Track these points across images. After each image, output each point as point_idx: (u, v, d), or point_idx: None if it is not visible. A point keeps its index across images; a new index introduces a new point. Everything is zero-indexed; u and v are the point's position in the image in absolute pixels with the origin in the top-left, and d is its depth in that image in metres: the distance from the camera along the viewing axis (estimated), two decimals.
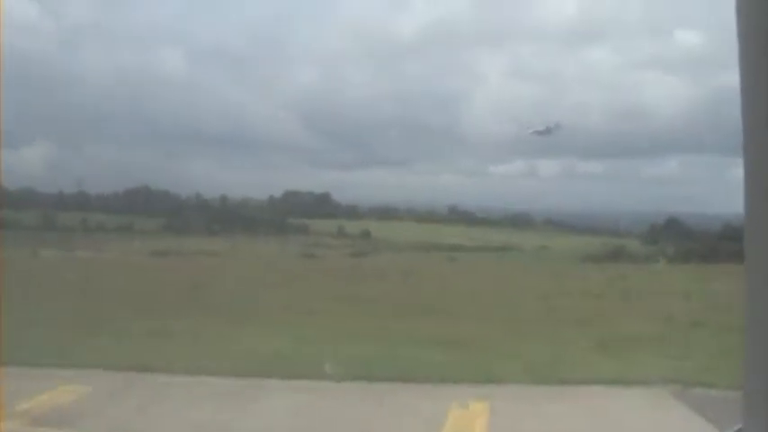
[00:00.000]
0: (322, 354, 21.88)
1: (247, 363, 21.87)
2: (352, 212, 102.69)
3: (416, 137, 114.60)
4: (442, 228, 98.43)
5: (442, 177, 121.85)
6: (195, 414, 17.24)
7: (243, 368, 21.13)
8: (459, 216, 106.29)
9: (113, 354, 22.13)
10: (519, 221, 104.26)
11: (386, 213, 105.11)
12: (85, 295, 32.80)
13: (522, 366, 21.94)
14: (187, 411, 17.48)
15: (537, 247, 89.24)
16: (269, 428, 16.61)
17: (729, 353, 16.30)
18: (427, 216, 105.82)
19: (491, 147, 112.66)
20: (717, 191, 79.42)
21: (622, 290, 40.18)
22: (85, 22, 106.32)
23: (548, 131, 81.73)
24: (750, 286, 3.22)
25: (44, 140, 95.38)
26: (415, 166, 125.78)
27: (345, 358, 21.29)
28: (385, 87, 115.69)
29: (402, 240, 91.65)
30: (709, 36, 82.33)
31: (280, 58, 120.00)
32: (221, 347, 24.14)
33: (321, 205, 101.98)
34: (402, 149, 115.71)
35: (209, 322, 28.51)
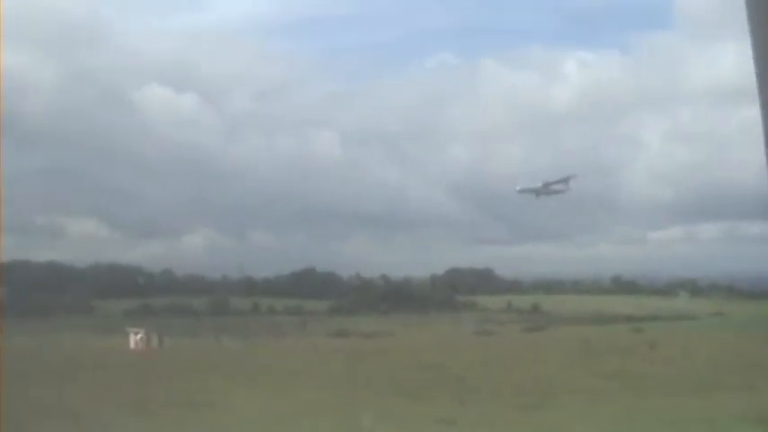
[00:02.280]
0: None
1: None
2: (517, 287, 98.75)
3: (574, 207, 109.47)
4: (608, 299, 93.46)
5: (600, 248, 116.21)
6: None
7: None
8: (622, 286, 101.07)
9: None
10: (684, 288, 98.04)
11: (551, 287, 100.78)
12: (325, 382, 29.44)
13: None
14: None
15: (711, 314, 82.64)
16: None
17: None
18: (591, 288, 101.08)
19: (649, 213, 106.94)
20: None
21: None
22: (245, 112, 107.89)
23: (546, 189, 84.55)
24: None
25: (206, 228, 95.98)
26: (575, 237, 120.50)
27: None
28: (541, 159, 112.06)
29: (571, 313, 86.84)
30: None
31: (434, 136, 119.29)
32: None
33: (484, 281, 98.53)
34: (560, 221, 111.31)
35: (487, 407, 24.53)
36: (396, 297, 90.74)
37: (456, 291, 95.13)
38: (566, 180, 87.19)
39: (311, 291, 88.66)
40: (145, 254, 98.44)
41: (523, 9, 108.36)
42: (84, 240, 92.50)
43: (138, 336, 54.73)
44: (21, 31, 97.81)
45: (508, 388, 28.54)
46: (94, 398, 25.43)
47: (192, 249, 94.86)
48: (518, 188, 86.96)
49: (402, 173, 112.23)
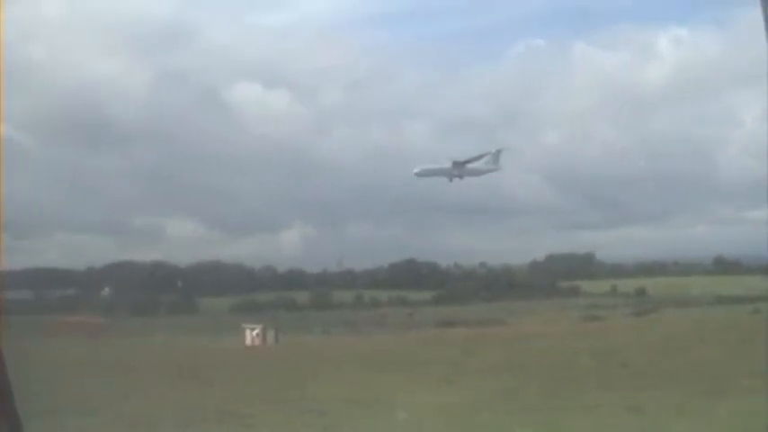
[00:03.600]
0: None
1: None
2: (618, 271, 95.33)
3: (672, 190, 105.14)
4: (712, 280, 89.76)
5: (698, 228, 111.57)
6: None
7: None
8: (725, 267, 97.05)
9: None
10: None
11: (652, 270, 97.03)
12: (486, 372, 27.77)
13: None
14: None
15: None
16: None
17: None
18: (693, 269, 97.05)
19: (746, 192, 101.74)
20: None
21: None
22: (336, 105, 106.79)
23: (459, 169, 77.01)
24: None
25: (302, 222, 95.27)
26: (672, 219, 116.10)
27: None
28: (635, 141, 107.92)
29: (678, 296, 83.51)
30: None
31: (526, 122, 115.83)
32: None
33: (585, 266, 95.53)
34: (657, 203, 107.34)
35: (670, 394, 22.55)
36: (497, 285, 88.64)
37: (557, 276, 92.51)
38: (492, 156, 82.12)
39: (412, 281, 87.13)
40: (243, 251, 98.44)
41: None
42: (182, 240, 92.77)
43: (255, 332, 54.13)
44: (112, 36, 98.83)
45: (679, 373, 26.52)
46: (245, 398, 24.36)
47: (290, 244, 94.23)
48: (416, 171, 79.54)
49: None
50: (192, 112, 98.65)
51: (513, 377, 25.85)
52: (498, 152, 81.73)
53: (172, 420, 20.60)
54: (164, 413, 21.64)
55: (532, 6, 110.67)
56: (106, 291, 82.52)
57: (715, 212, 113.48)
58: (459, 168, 79.57)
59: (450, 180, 79.86)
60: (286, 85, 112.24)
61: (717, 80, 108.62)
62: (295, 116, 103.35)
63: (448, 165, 79.49)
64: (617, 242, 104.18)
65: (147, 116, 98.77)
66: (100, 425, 19.38)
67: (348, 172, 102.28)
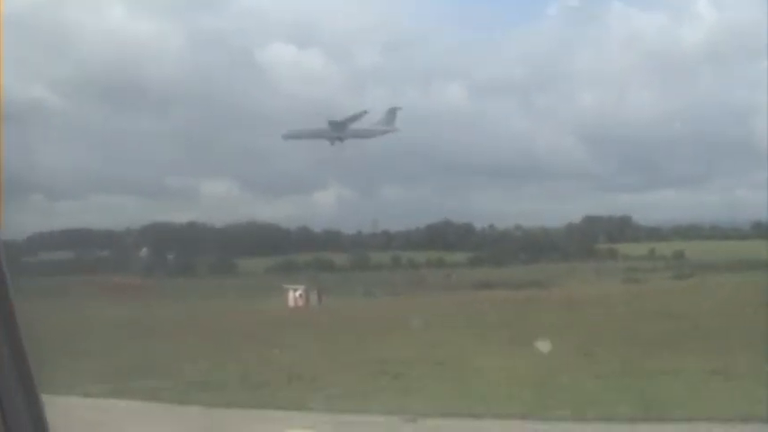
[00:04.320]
0: None
1: None
2: (656, 234, 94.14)
3: (709, 153, 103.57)
4: (750, 244, 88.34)
5: (737, 192, 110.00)
6: None
7: None
8: (763, 231, 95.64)
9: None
10: None
11: (689, 233, 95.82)
12: (548, 334, 26.88)
13: None
14: None
15: None
16: None
17: None
18: (731, 233, 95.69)
19: None
20: None
21: None
22: (369, 67, 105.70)
23: (341, 130, 72.57)
24: None
25: (336, 184, 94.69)
26: (711, 183, 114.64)
27: None
28: (673, 104, 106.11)
29: (717, 260, 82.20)
30: None
31: (562, 83, 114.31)
32: None
33: (622, 229, 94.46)
34: (695, 167, 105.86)
35: (750, 359, 21.66)
36: (534, 247, 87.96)
37: (594, 239, 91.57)
38: (387, 115, 75.52)
39: (447, 243, 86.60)
40: (278, 212, 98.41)
41: None
42: (217, 200, 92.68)
43: (298, 293, 53.76)
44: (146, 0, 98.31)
45: (749, 337, 25.61)
46: (309, 360, 23.73)
47: (325, 205, 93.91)
48: (284, 133, 74.25)
49: (531, 122, 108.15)
50: (227, 74, 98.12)
51: (580, 340, 24.99)
52: (394, 110, 75.96)
53: (241, 383, 20.05)
54: (231, 376, 21.10)
55: None
56: (144, 251, 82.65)
57: (753, 176, 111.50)
58: (338, 129, 74.74)
59: (332, 143, 75.10)
60: (320, 46, 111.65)
61: (757, 42, 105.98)
62: (329, 77, 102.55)
63: (324, 125, 74.48)
64: (654, 205, 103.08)
65: (182, 78, 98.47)
66: (173, 387, 18.89)
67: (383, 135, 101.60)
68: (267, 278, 73.19)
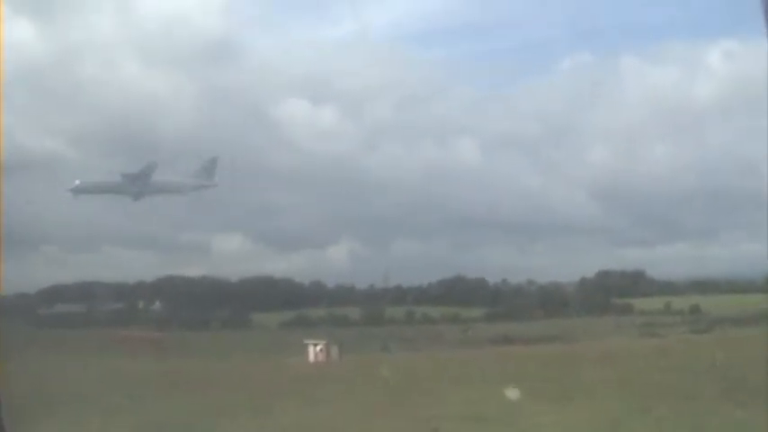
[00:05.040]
0: None
1: None
2: (670, 288, 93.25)
3: (722, 206, 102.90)
4: (763, 297, 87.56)
5: (750, 245, 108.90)
6: None
7: None
8: None
9: None
10: None
11: (705, 287, 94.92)
12: (605, 391, 26.10)
13: None
14: None
15: None
16: None
17: None
18: (747, 287, 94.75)
19: None
20: None
21: None
22: (384, 122, 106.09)
23: (138, 183, 64.70)
24: None
25: (349, 238, 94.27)
26: (724, 236, 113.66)
27: None
28: (685, 158, 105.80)
29: (732, 313, 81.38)
30: None
31: (574, 138, 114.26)
32: None
33: (636, 283, 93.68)
34: (708, 220, 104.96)
35: None
36: (549, 302, 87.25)
37: (608, 294, 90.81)
38: (204, 168, 67.92)
39: (461, 298, 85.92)
40: (289, 266, 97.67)
41: (661, 1, 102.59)
42: (229, 255, 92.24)
43: (318, 347, 52.97)
44: (159, 53, 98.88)
45: None
46: (351, 416, 23.02)
47: (337, 260, 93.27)
48: (73, 186, 65.77)
49: (543, 177, 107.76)
50: (239, 129, 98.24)
51: (629, 394, 24.30)
52: (214, 160, 68.98)
53: None
54: None
55: (580, 21, 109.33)
56: (157, 305, 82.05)
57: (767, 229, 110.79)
58: (135, 182, 66.85)
59: (135, 199, 67.19)
60: (334, 102, 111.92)
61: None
62: (343, 132, 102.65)
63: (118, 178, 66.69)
64: (667, 259, 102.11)
65: (195, 133, 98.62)
66: None
67: (396, 189, 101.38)
68: (282, 333, 72.48)
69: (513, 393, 21.97)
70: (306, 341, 54.51)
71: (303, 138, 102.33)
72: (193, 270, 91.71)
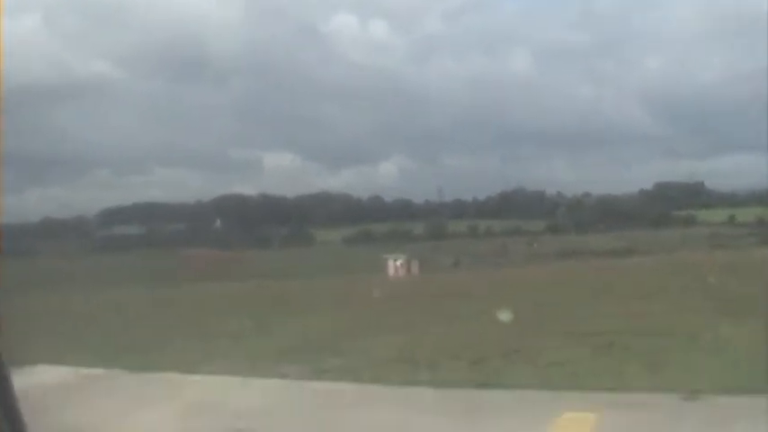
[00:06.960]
0: None
1: None
2: (732, 200, 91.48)
3: None
4: None
5: None
6: None
7: None
8: None
9: None
10: None
11: (765, 198, 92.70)
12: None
13: None
14: None
15: None
16: None
17: None
18: None
19: None
20: None
21: None
22: (433, 34, 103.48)
23: None
24: None
25: (401, 154, 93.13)
26: None
27: None
28: (741, 66, 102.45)
29: None
30: None
31: (627, 48, 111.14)
32: None
33: (696, 195, 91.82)
34: (763, 131, 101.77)
35: None
36: (609, 214, 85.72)
37: (667, 205, 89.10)
38: None
39: (520, 211, 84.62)
40: (342, 183, 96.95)
41: None
42: (280, 172, 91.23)
43: (398, 262, 52.06)
44: None
45: None
46: (512, 333, 21.48)
47: (388, 176, 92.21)
48: None
49: (596, 88, 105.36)
50: (289, 45, 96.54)
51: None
52: None
53: (454, 360, 17.87)
54: (433, 352, 18.92)
55: None
56: (218, 224, 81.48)
57: None
58: None
59: None
60: (384, 16, 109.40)
61: None
62: (393, 47, 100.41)
63: None
64: (725, 170, 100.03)
65: (245, 50, 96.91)
66: (366, 366, 16.92)
67: (447, 102, 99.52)
68: (347, 248, 71.74)
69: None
70: (385, 256, 53.58)
71: (353, 53, 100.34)
72: (248, 188, 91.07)
